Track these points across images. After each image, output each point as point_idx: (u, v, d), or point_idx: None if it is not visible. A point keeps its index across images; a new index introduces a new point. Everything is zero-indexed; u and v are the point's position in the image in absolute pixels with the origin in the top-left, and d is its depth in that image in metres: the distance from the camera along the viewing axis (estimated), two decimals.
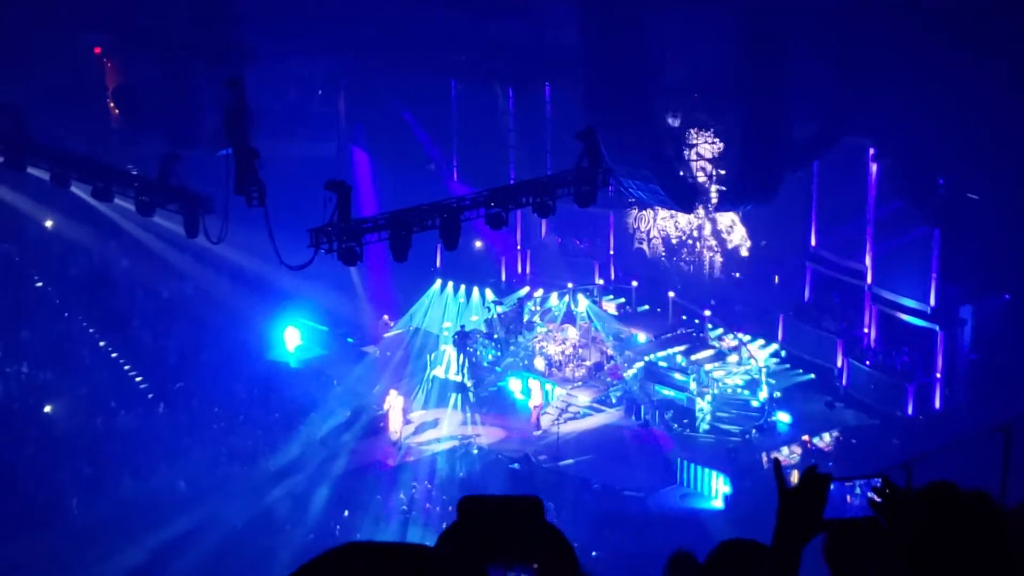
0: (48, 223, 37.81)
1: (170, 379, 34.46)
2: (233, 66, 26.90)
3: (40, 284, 37.03)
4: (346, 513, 29.55)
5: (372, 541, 2.29)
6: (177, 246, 35.51)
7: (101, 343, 35.76)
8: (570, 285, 36.58)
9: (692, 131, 32.50)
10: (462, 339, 34.98)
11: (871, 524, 3.68)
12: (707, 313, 35.12)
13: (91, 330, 36.06)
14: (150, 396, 34.01)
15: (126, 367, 35.14)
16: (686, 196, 31.35)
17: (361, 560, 2.23)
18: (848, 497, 3.56)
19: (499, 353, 34.93)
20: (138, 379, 34.80)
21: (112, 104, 35.89)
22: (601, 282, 37.75)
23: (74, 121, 34.54)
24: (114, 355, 35.48)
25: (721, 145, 32.29)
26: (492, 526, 2.91)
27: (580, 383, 34.15)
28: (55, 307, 36.33)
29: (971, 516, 3.12)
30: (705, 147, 32.55)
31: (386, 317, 38.56)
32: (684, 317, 35.88)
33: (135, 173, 30.25)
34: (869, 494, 3.67)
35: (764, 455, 30.59)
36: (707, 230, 36.79)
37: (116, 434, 32.06)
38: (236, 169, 23.91)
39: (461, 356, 34.98)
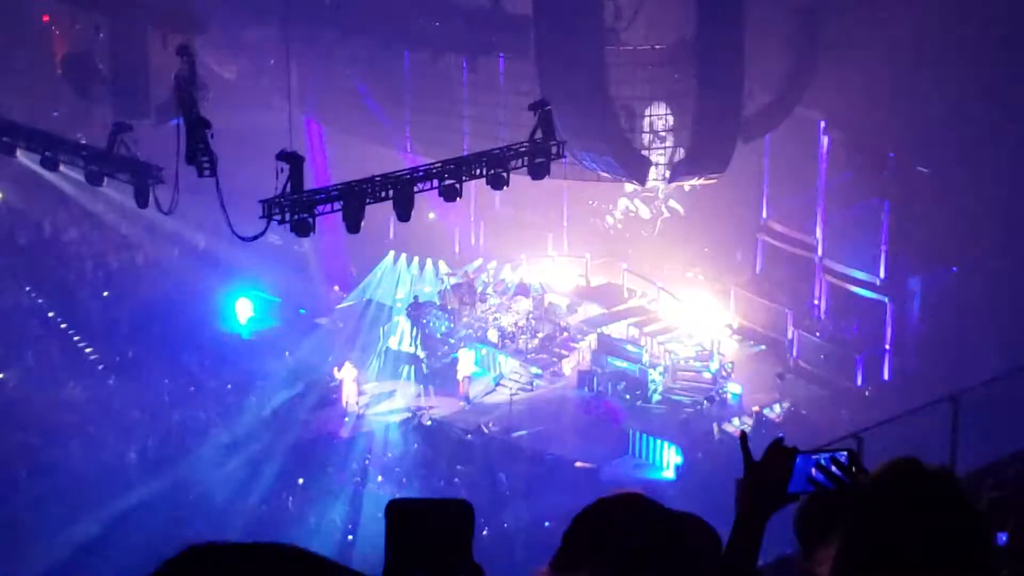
0: None
1: (120, 350, 34.20)
2: (183, 34, 26.67)
3: None
4: (300, 481, 29.54)
5: (227, 543, 2.07)
6: (127, 216, 35.21)
7: (50, 314, 35.42)
8: (523, 257, 36.60)
9: (646, 102, 32.51)
10: (415, 310, 34.93)
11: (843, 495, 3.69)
12: (659, 285, 35.27)
13: (40, 301, 35.70)
14: (100, 367, 33.75)
15: (75, 338, 34.84)
16: (640, 167, 31.40)
17: (216, 565, 2.04)
18: (813, 470, 3.57)
19: (452, 325, 34.92)
20: (88, 350, 34.52)
21: (61, 72, 35.46)
22: (554, 254, 37.78)
23: (22, 89, 34.12)
24: (63, 326, 35.16)
25: (675, 116, 32.33)
26: (419, 533, 2.86)
27: (533, 354, 34.22)
28: (3, 278, 35.92)
29: (939, 492, 3.15)
30: (659, 118, 32.58)
31: (337, 288, 38.43)
32: (636, 289, 36.02)
33: (84, 142, 29.93)
34: (817, 468, 3.67)
35: (716, 426, 30.83)
36: (661, 201, 36.94)
37: (65, 406, 31.80)
38: (187, 139, 23.71)
39: (414, 328, 34.94)
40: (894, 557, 3.02)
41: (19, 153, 29.39)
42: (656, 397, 32.11)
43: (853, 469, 3.62)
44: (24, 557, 26.33)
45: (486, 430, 31.34)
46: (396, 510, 2.88)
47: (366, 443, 31.44)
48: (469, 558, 2.89)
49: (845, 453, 3.68)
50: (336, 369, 33.19)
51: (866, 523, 3.11)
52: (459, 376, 33.23)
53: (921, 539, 3.02)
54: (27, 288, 35.87)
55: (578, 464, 29.80)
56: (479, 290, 35.71)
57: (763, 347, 33.93)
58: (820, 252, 33.27)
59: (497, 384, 33.78)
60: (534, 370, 33.75)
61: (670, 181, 33.22)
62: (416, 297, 35.48)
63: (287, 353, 35.34)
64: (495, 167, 25.62)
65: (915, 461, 3.22)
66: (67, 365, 33.59)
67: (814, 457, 3.69)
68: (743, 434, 3.87)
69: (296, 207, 23.18)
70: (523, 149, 25.98)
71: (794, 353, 33.35)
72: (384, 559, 2.87)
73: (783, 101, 32.27)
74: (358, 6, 34.61)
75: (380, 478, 30.05)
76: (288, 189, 22.99)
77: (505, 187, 26.59)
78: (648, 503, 3.36)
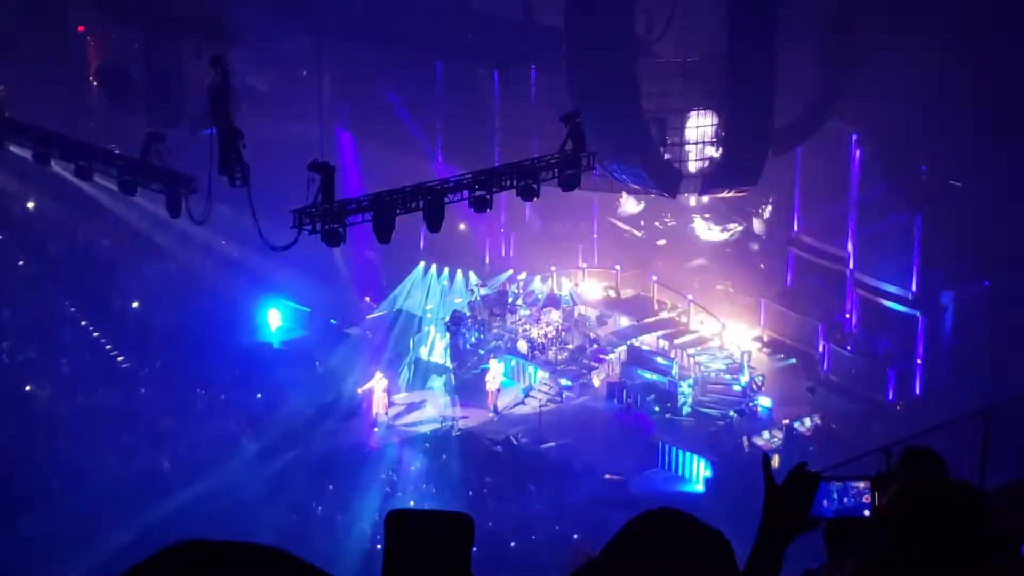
0: (30, 204, 37.62)
1: (152, 360, 34.37)
2: (217, 44, 26.79)
3: (22, 263, 36.86)
4: (331, 487, 29.60)
5: (214, 540, 2.14)
6: (160, 226, 35.38)
7: (83, 322, 35.64)
8: (553, 268, 36.60)
9: (677, 114, 32.48)
10: (454, 324, 34.87)
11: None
12: (689, 297, 35.20)
13: (73, 309, 35.93)
14: (140, 374, 33.88)
15: (108, 347, 35.03)
16: (670, 180, 31.35)
17: (201, 561, 2.11)
18: (825, 502, 3.50)
19: (482, 335, 34.94)
20: (120, 359, 34.70)
21: (95, 82, 35.71)
22: (584, 265, 37.77)
23: (56, 99, 34.35)
24: (96, 335, 35.37)
25: (706, 128, 32.28)
26: (419, 544, 2.87)
27: (563, 366, 34.19)
28: (37, 287, 36.17)
29: (956, 506, 3.14)
30: (690, 130, 32.54)
31: (367, 299, 38.52)
32: (667, 301, 35.96)
33: (118, 152, 30.10)
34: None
35: (745, 439, 30.72)
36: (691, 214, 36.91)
37: (98, 414, 31.97)
38: (220, 149, 23.83)
39: (446, 339, 34.95)
40: (911, 569, 3.02)
41: (52, 162, 29.60)
42: (686, 409, 32.03)
43: (876, 496, 3.59)
44: (57, 566, 26.46)
45: (515, 441, 31.33)
46: (395, 520, 2.88)
47: (395, 453, 31.48)
48: (467, 572, 2.89)
49: (867, 482, 3.65)
50: (359, 388, 33.31)
51: (885, 537, 3.11)
52: (488, 388, 33.23)
53: (937, 552, 3.02)
54: (60, 297, 36.10)
55: (607, 476, 29.75)
56: (509, 301, 35.71)
57: (794, 360, 33.78)
58: (852, 265, 33.11)
59: (526, 395, 33.77)
60: (564, 381, 33.72)
61: (701, 193, 33.17)
62: (456, 310, 35.47)
63: (317, 363, 35.44)
64: (526, 178, 25.63)
65: (937, 475, 3.22)
66: (100, 374, 33.78)
67: (836, 484, 3.64)
68: (765, 456, 3.81)
69: (327, 217, 23.25)
70: (554, 160, 25.99)
71: (825, 367, 33.19)
72: (383, 569, 2.88)
73: (815, 114, 32.16)
74: (390, 18, 34.72)
75: (411, 487, 30.08)
76: (319, 199, 23.06)
77: (536, 198, 26.62)
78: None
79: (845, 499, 3.65)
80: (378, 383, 33.05)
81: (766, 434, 31.07)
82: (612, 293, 36.80)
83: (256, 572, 2.08)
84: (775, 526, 3.60)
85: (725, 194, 34.34)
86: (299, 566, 2.13)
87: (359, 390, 33.63)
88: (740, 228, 36.86)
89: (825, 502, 3.65)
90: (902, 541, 3.08)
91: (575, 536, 26.27)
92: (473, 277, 36.95)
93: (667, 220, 37.97)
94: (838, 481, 3.67)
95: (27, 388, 33.14)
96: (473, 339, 34.85)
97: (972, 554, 3.04)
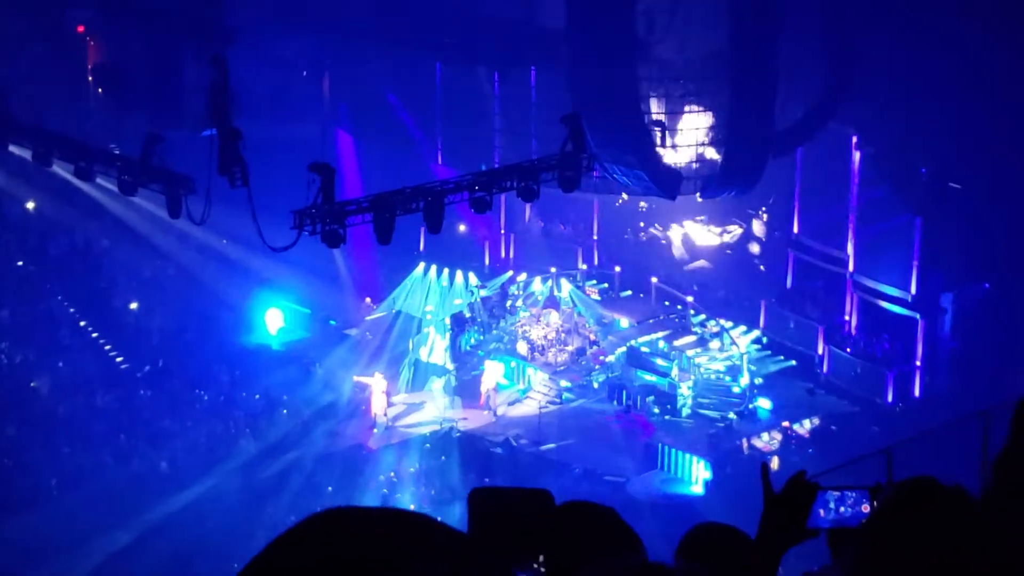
0: (30, 204, 37.58)
1: (151, 360, 34.33)
2: (217, 45, 26.79)
3: (21, 264, 36.81)
4: (330, 488, 29.59)
5: (363, 507, 2.12)
6: (159, 226, 35.38)
7: (82, 323, 35.59)
8: (553, 270, 36.58)
9: (677, 116, 32.48)
10: (458, 324, 34.84)
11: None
12: (690, 299, 35.19)
13: (72, 310, 35.88)
14: (138, 375, 33.84)
15: (107, 347, 34.99)
16: (670, 182, 31.33)
17: (355, 527, 2.08)
18: (821, 511, 3.47)
19: (482, 337, 34.91)
20: (119, 360, 34.66)
21: (95, 83, 35.68)
22: (584, 267, 37.75)
23: (56, 100, 34.34)
24: (95, 335, 35.32)
25: (706, 131, 32.27)
26: (504, 520, 2.89)
27: (562, 367, 34.16)
28: (36, 287, 36.11)
29: (952, 512, 3.12)
30: (690, 133, 32.53)
31: (368, 300, 38.50)
32: (667, 303, 35.95)
33: (117, 153, 30.09)
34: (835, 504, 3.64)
35: (745, 441, 30.72)
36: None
37: (97, 415, 31.94)
38: (220, 149, 23.83)
39: (447, 339, 34.92)
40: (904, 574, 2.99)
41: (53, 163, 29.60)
42: (686, 411, 32.01)
43: (874, 505, 3.57)
44: (55, 565, 26.43)
45: (515, 443, 31.31)
46: (479, 497, 2.91)
47: (395, 454, 31.45)
48: (549, 545, 2.93)
49: (867, 491, 3.64)
50: (355, 377, 33.31)
51: (877, 542, 3.08)
52: (483, 388, 33.20)
53: (931, 558, 2.99)
54: (59, 297, 36.05)
55: (607, 478, 29.73)
56: (509, 303, 35.68)
57: (793, 362, 33.78)
58: (851, 268, 33.12)
59: (524, 396, 33.76)
60: (563, 383, 33.70)
61: (702, 196, 33.14)
62: (461, 312, 35.43)
63: (317, 364, 35.41)
64: (526, 179, 25.65)
65: (931, 480, 3.19)
66: (98, 374, 33.71)
67: (835, 493, 3.63)
68: (764, 465, 3.80)
69: (327, 218, 23.26)
70: (554, 162, 26.01)
71: (824, 368, 33.19)
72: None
73: (816, 116, 32.17)
74: (390, 18, 34.72)
75: (412, 489, 30.08)
76: (319, 200, 23.07)
77: (536, 199, 26.62)
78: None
79: (841, 508, 3.63)
80: (377, 384, 33.01)
81: (765, 436, 31.06)
82: (612, 294, 36.79)
83: (406, 537, 2.04)
84: (772, 535, 3.59)
85: (725, 196, 34.35)
86: (448, 533, 2.10)
87: (354, 378, 33.68)
88: (740, 230, 36.87)
89: (821, 511, 3.62)
90: (894, 546, 3.05)
91: None
92: (473, 278, 36.92)
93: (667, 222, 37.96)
94: (835, 491, 3.65)
95: (32, 383, 33.04)
96: (473, 341, 34.83)
97: (967, 559, 3.01)
